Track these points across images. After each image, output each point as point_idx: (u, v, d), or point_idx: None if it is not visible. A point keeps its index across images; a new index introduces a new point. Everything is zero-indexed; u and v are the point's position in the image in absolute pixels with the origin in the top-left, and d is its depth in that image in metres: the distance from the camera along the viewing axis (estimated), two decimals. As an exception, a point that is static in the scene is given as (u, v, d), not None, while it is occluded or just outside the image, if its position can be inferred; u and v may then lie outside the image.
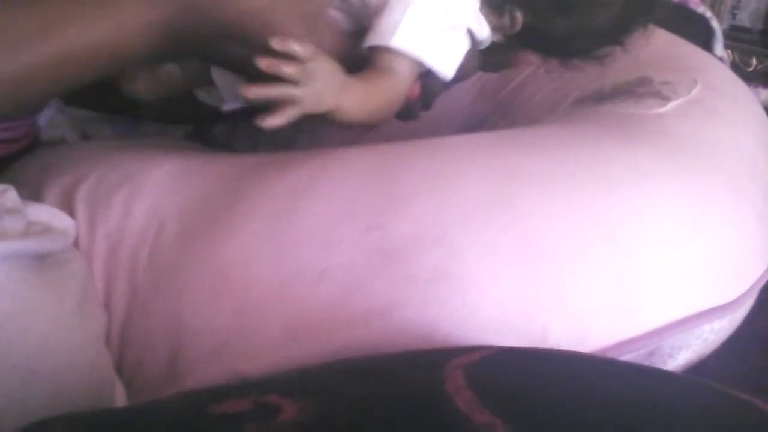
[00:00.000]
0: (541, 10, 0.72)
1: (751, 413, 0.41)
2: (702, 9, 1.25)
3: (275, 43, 0.57)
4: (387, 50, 0.65)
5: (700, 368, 0.69)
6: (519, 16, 0.72)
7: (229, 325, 0.60)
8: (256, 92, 0.57)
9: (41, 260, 0.57)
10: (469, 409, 0.36)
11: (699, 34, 1.21)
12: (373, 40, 0.65)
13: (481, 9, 0.71)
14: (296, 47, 0.57)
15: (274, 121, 0.57)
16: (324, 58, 0.61)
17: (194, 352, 0.60)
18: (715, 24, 1.24)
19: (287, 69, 0.57)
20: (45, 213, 0.63)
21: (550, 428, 0.37)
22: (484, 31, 0.71)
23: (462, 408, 0.37)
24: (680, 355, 0.66)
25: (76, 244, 0.65)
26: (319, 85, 0.60)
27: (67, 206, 0.68)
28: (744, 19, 2.05)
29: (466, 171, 0.66)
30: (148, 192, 0.68)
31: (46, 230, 0.60)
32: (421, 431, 0.35)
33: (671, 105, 0.79)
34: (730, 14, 2.04)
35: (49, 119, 1.03)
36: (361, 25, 0.68)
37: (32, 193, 0.69)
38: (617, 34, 0.76)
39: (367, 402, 0.38)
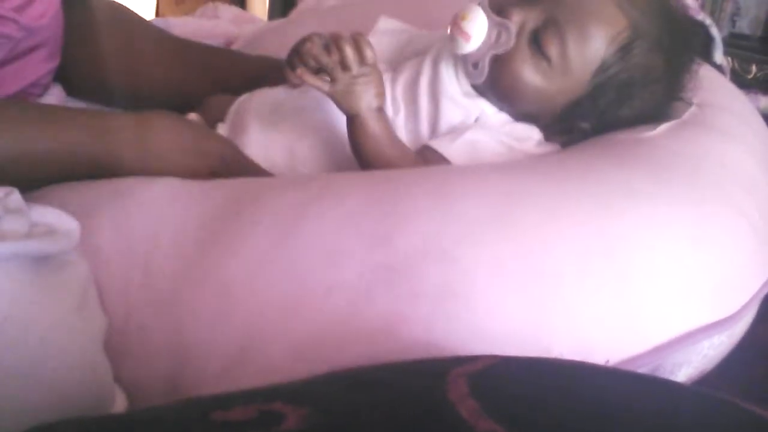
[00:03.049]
0: (606, 111, 0.79)
1: (756, 423, 0.41)
2: (702, 16, 1.25)
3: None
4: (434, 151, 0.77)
5: (702, 380, 0.69)
6: (586, 125, 0.80)
7: (235, 344, 0.59)
8: (301, 73, 0.73)
9: (43, 261, 0.57)
10: (473, 418, 0.36)
11: (700, 42, 1.21)
12: (432, 143, 0.78)
13: (547, 138, 0.80)
14: (368, 52, 0.72)
15: (305, 77, 0.73)
16: (377, 74, 0.75)
17: (198, 372, 0.59)
18: (714, 31, 1.24)
19: (307, 77, 0.73)
20: (49, 215, 0.62)
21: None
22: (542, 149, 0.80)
23: (465, 416, 0.37)
24: (681, 372, 0.66)
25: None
26: (357, 88, 0.73)
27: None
28: (743, 26, 2.05)
29: (467, 190, 0.66)
30: (141, 207, 0.67)
31: (50, 232, 0.60)
32: (424, 441, 0.35)
33: (662, 128, 0.79)
34: (729, 21, 2.04)
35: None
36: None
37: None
38: (675, 91, 0.81)
39: (371, 410, 0.38)
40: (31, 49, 0.93)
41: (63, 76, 1.02)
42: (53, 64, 0.99)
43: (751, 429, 0.40)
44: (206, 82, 1.05)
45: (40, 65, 0.96)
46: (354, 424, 0.36)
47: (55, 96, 1.03)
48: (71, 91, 1.05)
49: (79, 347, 0.55)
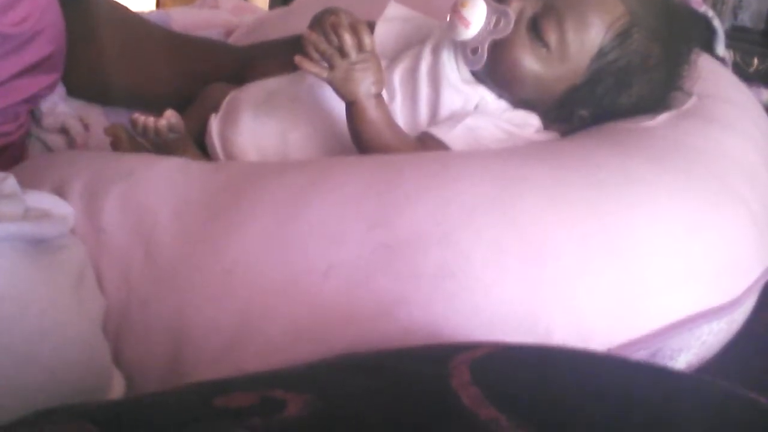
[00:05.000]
0: (604, 98, 0.79)
1: (754, 408, 0.41)
2: (704, 8, 1.24)
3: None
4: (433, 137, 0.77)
5: (701, 371, 0.69)
6: (585, 113, 0.80)
7: (235, 324, 0.59)
8: (299, 61, 0.73)
9: (39, 244, 0.57)
10: (475, 405, 0.36)
11: (700, 33, 1.21)
12: (431, 129, 0.78)
13: (546, 127, 0.81)
14: (367, 39, 0.73)
15: (302, 64, 0.73)
16: (375, 62, 0.75)
17: (198, 352, 0.60)
18: (716, 24, 1.23)
19: (306, 64, 0.73)
20: (45, 200, 0.63)
21: (555, 423, 0.37)
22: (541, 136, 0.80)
23: (467, 403, 0.37)
24: (681, 358, 0.66)
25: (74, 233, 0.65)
26: (356, 75, 0.74)
27: (64, 200, 0.67)
28: (746, 19, 2.05)
29: (466, 174, 0.66)
30: (145, 187, 0.68)
31: (45, 215, 0.60)
32: (427, 426, 0.35)
33: (661, 117, 0.79)
34: (731, 14, 2.04)
35: (52, 105, 1.03)
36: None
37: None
38: (674, 80, 0.81)
39: (372, 397, 0.38)
40: (34, 65, 0.92)
41: (63, 76, 1.01)
42: (56, 75, 0.99)
43: (750, 415, 0.40)
44: (204, 75, 1.05)
45: (42, 78, 0.96)
46: (355, 410, 0.36)
47: (55, 96, 1.03)
48: (71, 90, 1.05)
49: (76, 327, 0.56)
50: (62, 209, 0.63)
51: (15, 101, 0.92)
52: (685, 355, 0.66)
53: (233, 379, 0.41)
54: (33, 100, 0.98)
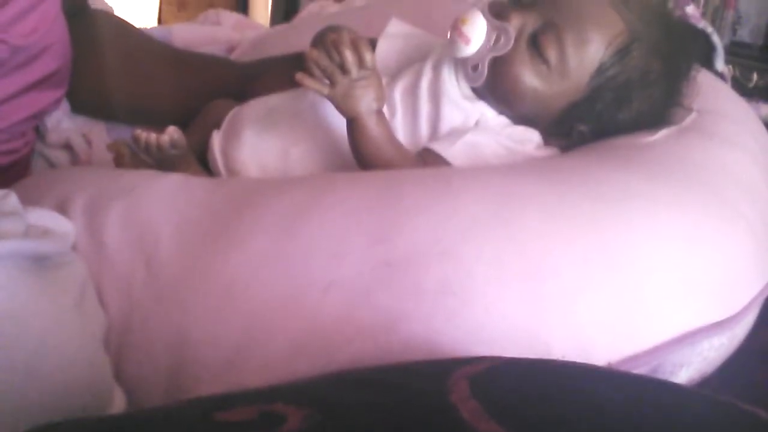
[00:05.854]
0: (604, 114, 0.80)
1: (756, 423, 0.41)
2: (703, 24, 1.25)
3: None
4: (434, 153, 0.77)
5: (702, 384, 0.69)
6: (585, 129, 0.81)
7: (236, 339, 0.59)
8: (300, 77, 0.74)
9: (40, 261, 0.57)
10: (474, 419, 0.36)
11: (700, 49, 1.22)
12: (432, 145, 0.78)
13: (546, 142, 0.81)
14: (368, 56, 0.73)
15: (304, 80, 0.74)
16: (376, 78, 0.75)
17: (199, 368, 0.60)
18: (716, 39, 1.24)
19: (307, 81, 0.74)
20: (46, 217, 0.63)
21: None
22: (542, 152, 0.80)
23: (467, 418, 0.37)
24: (681, 373, 0.66)
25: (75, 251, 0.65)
26: (357, 92, 0.74)
27: (65, 216, 0.68)
28: (745, 35, 2.06)
29: (467, 190, 0.66)
30: (147, 203, 0.68)
31: (46, 233, 0.60)
32: (426, 441, 0.35)
33: (661, 133, 0.80)
34: (731, 30, 2.05)
35: (56, 121, 1.03)
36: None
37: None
38: (673, 96, 0.82)
39: (372, 412, 0.38)
40: (40, 81, 0.93)
41: (68, 93, 1.02)
42: (62, 91, 0.99)
43: (751, 430, 0.40)
44: (207, 91, 1.05)
45: (48, 94, 0.96)
46: (355, 425, 0.36)
47: (59, 112, 1.03)
48: (75, 106, 1.06)
49: (78, 345, 0.56)
50: (63, 226, 0.63)
51: (23, 117, 0.93)
52: (686, 370, 0.66)
53: (234, 394, 0.41)
54: (39, 116, 0.98)
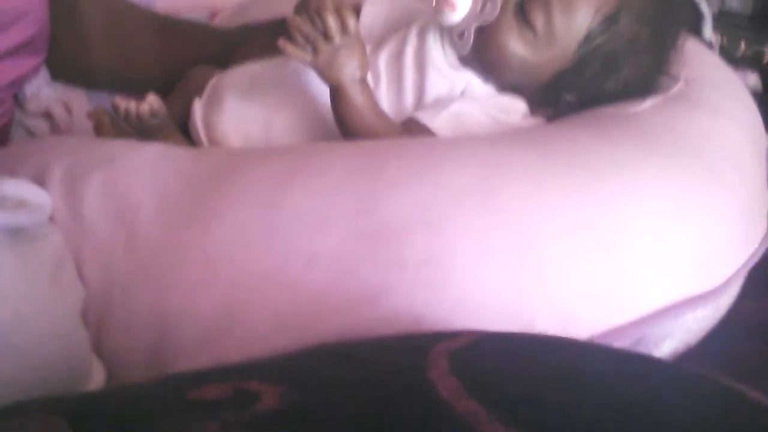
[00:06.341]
0: (591, 83, 0.78)
1: (736, 399, 0.41)
2: (692, -8, 1.24)
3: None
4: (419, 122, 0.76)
5: (685, 354, 0.69)
6: (572, 98, 0.80)
7: (217, 313, 0.59)
8: (283, 44, 0.73)
9: (15, 233, 0.56)
10: (453, 397, 0.36)
11: (688, 17, 1.21)
12: (417, 115, 0.77)
13: (533, 112, 0.80)
14: (351, 22, 0.72)
15: (286, 48, 0.73)
16: (360, 46, 0.74)
17: (180, 341, 0.59)
18: (704, 7, 1.23)
19: (290, 48, 0.73)
20: (22, 188, 0.62)
21: (536, 415, 0.36)
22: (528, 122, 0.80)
23: (446, 396, 0.36)
24: (665, 345, 0.66)
25: (53, 221, 0.64)
26: (340, 59, 0.73)
27: (44, 186, 0.66)
28: (733, 3, 2.05)
29: (452, 161, 0.65)
30: (126, 174, 0.67)
31: (21, 204, 0.59)
32: (400, 419, 0.35)
33: (647, 103, 0.79)
34: (719, -1, 2.04)
35: (36, 89, 1.01)
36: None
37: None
38: (661, 64, 0.81)
39: (349, 389, 0.37)
40: (18, 47, 0.91)
41: (47, 60, 1.00)
42: (41, 58, 0.97)
43: (731, 404, 0.40)
44: (189, 58, 1.04)
45: (26, 61, 0.94)
46: (331, 403, 0.36)
47: (39, 80, 1.02)
48: (54, 73, 1.04)
49: (53, 317, 0.55)
50: (39, 198, 0.62)
51: (0, 85, 0.91)
52: (670, 341, 0.66)
53: (208, 371, 0.40)
54: (17, 84, 0.96)
